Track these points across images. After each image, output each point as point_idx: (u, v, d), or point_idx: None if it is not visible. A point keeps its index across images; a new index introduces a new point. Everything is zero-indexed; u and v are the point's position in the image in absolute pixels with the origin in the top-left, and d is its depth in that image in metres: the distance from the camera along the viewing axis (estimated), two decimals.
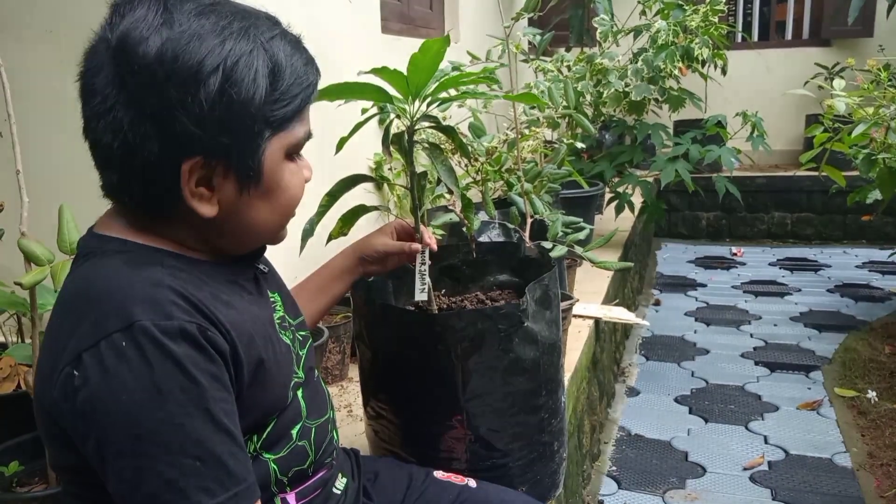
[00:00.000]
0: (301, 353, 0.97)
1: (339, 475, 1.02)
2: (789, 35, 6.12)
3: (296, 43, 0.83)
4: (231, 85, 0.75)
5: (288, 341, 0.93)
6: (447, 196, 1.90)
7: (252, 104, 0.76)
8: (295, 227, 1.19)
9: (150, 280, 0.76)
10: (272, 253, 0.98)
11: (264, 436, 0.86)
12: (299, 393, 0.93)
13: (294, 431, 0.91)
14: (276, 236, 0.90)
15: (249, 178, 0.80)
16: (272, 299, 0.96)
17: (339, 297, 1.27)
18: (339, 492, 1.01)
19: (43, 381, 0.76)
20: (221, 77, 0.74)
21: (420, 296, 1.19)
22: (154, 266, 0.78)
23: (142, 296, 0.73)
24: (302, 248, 1.23)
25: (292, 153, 0.85)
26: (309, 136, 0.86)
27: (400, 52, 1.26)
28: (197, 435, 0.71)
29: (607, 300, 2.89)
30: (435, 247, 1.23)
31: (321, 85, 0.99)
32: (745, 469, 2.39)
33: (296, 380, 0.92)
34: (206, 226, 0.82)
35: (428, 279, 1.21)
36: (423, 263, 1.20)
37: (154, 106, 0.74)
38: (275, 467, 0.87)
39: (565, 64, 3.13)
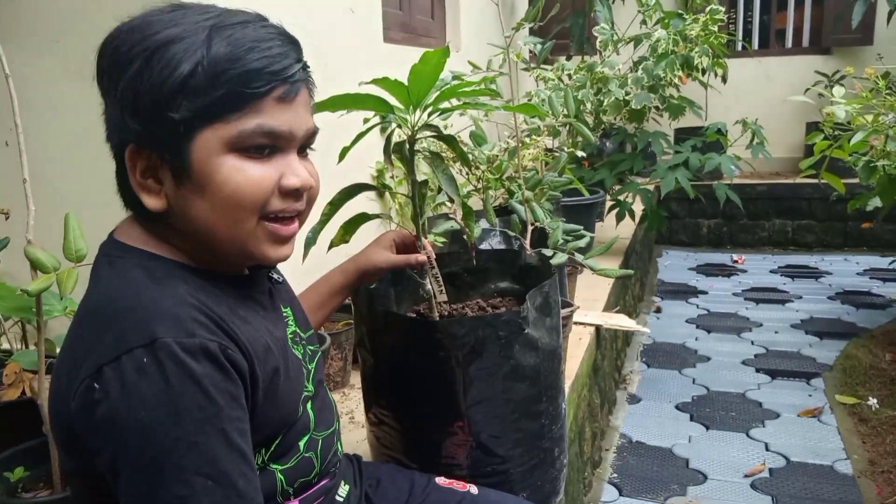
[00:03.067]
0: (311, 367, 0.98)
1: (342, 483, 1.03)
2: (789, 43, 6.15)
3: (264, 36, 0.78)
4: (148, 69, 0.75)
5: (299, 356, 0.94)
6: (448, 204, 1.92)
7: (162, 88, 0.74)
8: (298, 235, 1.21)
9: (172, 296, 0.76)
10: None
11: (272, 448, 0.87)
12: (308, 406, 0.94)
13: (302, 443, 0.91)
14: (247, 248, 0.82)
15: (180, 170, 0.78)
16: (284, 314, 0.97)
17: (336, 310, 1.29)
18: (341, 499, 1.01)
19: (60, 392, 0.77)
20: (142, 62, 0.75)
21: (441, 297, 1.22)
22: (176, 281, 0.79)
23: (164, 312, 0.74)
24: (305, 256, 1.25)
25: (241, 147, 0.78)
26: (270, 131, 0.79)
27: (402, 61, 1.26)
28: (211, 454, 0.72)
29: (608, 307, 2.90)
30: (433, 256, 1.24)
31: (322, 95, 1.00)
32: (746, 476, 2.39)
33: (306, 394, 0.93)
34: (171, 225, 0.82)
35: (428, 287, 1.23)
36: (433, 267, 1.22)
37: (102, 94, 0.80)
38: (282, 478, 0.88)
39: (566, 72, 3.15)
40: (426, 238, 1.26)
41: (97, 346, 0.73)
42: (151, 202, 0.79)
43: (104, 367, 0.71)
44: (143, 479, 0.71)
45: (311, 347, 1.01)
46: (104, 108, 0.81)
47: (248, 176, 0.78)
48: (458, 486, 1.16)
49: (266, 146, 0.79)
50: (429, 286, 1.23)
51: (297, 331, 0.98)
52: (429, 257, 1.22)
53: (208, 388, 0.72)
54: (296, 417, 0.90)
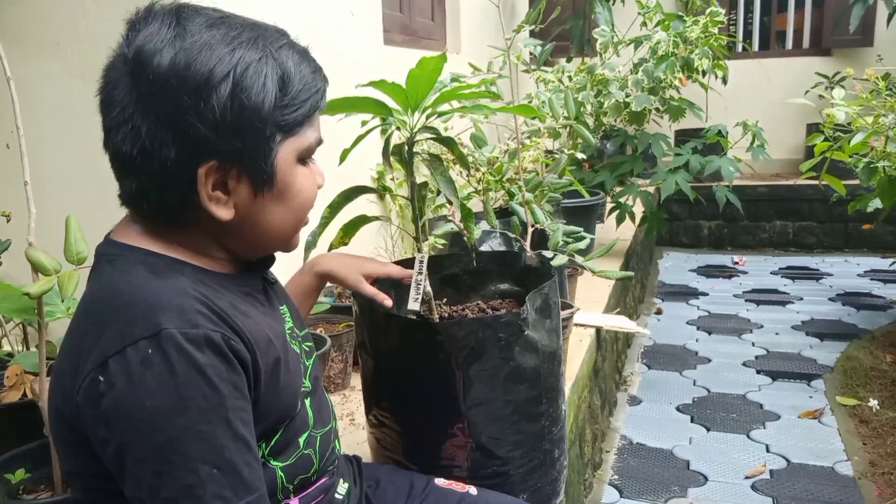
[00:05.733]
0: (308, 363, 0.99)
1: (341, 481, 1.04)
2: (790, 44, 6.15)
3: (303, 52, 0.86)
4: (241, 90, 0.78)
5: (297, 351, 0.96)
6: (448, 206, 1.92)
7: (262, 109, 0.79)
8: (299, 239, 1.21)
9: (175, 289, 0.78)
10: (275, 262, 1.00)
11: (272, 443, 0.88)
12: (307, 402, 0.95)
13: (301, 440, 0.92)
14: (289, 243, 0.92)
15: (263, 181, 0.83)
16: (282, 311, 0.98)
17: (310, 309, 1.30)
18: (341, 497, 1.02)
19: (63, 387, 0.78)
20: (232, 83, 0.77)
21: (413, 305, 1.20)
22: (177, 275, 0.81)
23: (168, 304, 0.75)
24: (305, 259, 1.25)
25: (304, 158, 0.87)
26: (320, 141, 0.89)
27: (402, 63, 1.27)
28: (216, 443, 0.73)
29: (609, 309, 2.90)
30: (389, 304, 1.22)
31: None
32: (746, 477, 2.39)
33: (303, 389, 0.94)
34: (223, 230, 0.84)
35: (428, 288, 1.23)
36: (420, 273, 1.22)
37: (169, 113, 0.77)
38: (282, 475, 0.89)
39: (566, 74, 3.15)
40: (426, 240, 1.26)
41: (101, 339, 0.74)
42: (222, 213, 0.82)
43: (109, 359, 0.72)
44: (149, 469, 0.72)
45: (307, 344, 1.03)
46: (143, 125, 0.77)
47: (312, 181, 0.89)
48: (457, 486, 1.17)
49: (313, 154, 0.89)
50: (426, 287, 1.22)
51: (294, 327, 0.99)
52: (421, 257, 1.22)
53: (212, 378, 0.73)
54: (295, 410, 0.91)
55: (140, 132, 0.77)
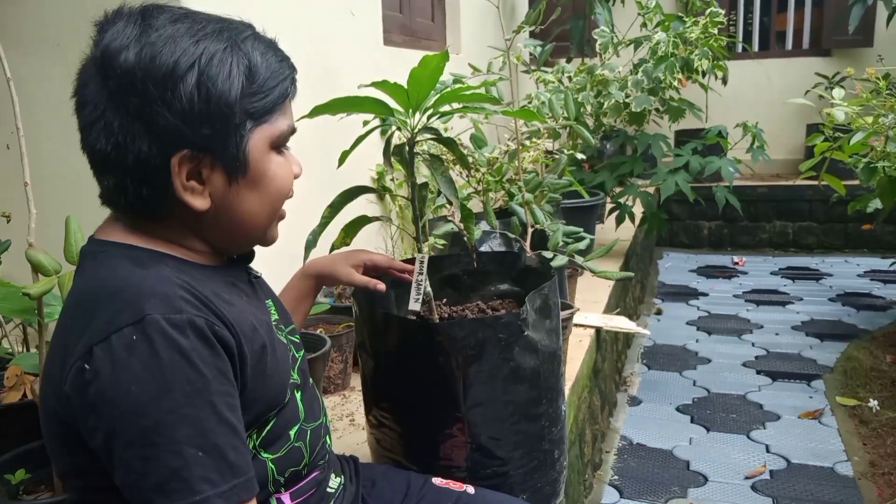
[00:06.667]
0: (297, 355, 1.00)
1: (333, 475, 1.05)
2: (789, 45, 6.15)
3: (269, 43, 0.87)
4: (207, 79, 0.79)
5: (284, 341, 0.97)
6: (448, 206, 1.92)
7: (229, 96, 0.80)
8: (298, 239, 1.21)
9: (159, 277, 0.79)
10: (275, 262, 1.00)
11: (264, 433, 0.89)
12: (297, 395, 0.96)
13: (292, 432, 0.93)
14: (266, 234, 0.93)
15: (236, 168, 0.84)
16: (267, 304, 0.99)
17: (307, 314, 1.30)
18: (332, 490, 1.03)
19: (51, 381, 0.79)
20: (197, 73, 0.79)
21: (414, 306, 1.21)
22: (161, 265, 0.82)
23: (152, 291, 0.76)
24: (305, 258, 1.25)
25: (277, 145, 0.88)
26: (293, 130, 0.90)
27: (402, 63, 1.27)
28: (201, 426, 0.74)
29: (608, 309, 2.90)
30: (383, 287, 1.24)
31: (323, 98, 1.01)
32: (746, 478, 2.39)
33: (292, 381, 0.95)
34: (200, 221, 0.86)
35: (428, 289, 1.23)
36: (421, 273, 1.22)
37: (138, 105, 0.78)
38: (272, 467, 0.90)
39: (566, 75, 3.15)
40: (426, 240, 1.26)
41: (87, 329, 0.75)
42: (198, 203, 0.83)
43: (94, 347, 0.73)
44: (136, 454, 0.72)
45: (294, 338, 1.04)
46: (115, 120, 0.79)
47: (287, 169, 0.90)
48: (454, 486, 1.17)
49: (287, 142, 0.90)
50: (426, 288, 1.22)
51: (280, 321, 1.00)
52: (421, 258, 1.23)
53: (196, 362, 0.74)
54: (284, 399, 0.92)
55: (113, 127, 0.79)
